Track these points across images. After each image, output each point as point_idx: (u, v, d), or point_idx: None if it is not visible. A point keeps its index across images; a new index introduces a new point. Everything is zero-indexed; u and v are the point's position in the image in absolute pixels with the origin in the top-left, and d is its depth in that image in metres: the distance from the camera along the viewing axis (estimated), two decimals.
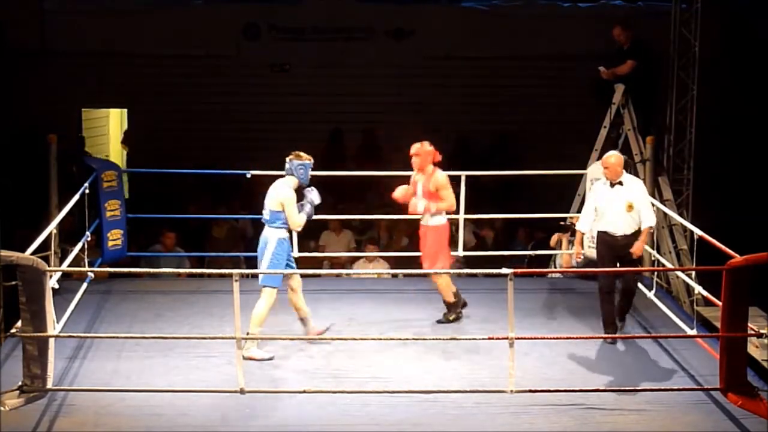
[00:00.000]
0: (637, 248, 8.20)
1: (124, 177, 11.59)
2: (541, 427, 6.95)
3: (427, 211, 8.62)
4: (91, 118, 16.44)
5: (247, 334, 7.87)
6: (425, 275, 10.30)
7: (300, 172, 8.08)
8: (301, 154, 8.14)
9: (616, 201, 8.29)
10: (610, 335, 8.27)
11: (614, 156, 8.40)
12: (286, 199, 8.00)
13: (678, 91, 11.56)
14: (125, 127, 16.54)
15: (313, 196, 8.19)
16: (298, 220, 8.04)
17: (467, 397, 7.25)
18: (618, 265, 8.29)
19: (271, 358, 7.95)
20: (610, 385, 7.42)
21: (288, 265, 8.10)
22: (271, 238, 8.03)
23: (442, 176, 8.64)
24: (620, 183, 8.31)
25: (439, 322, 8.78)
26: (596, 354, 8.08)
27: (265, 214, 8.09)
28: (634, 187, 8.34)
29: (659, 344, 8.31)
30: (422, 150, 8.65)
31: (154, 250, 11.38)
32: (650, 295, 9.26)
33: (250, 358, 7.87)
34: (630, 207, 8.24)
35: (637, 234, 8.24)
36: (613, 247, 8.31)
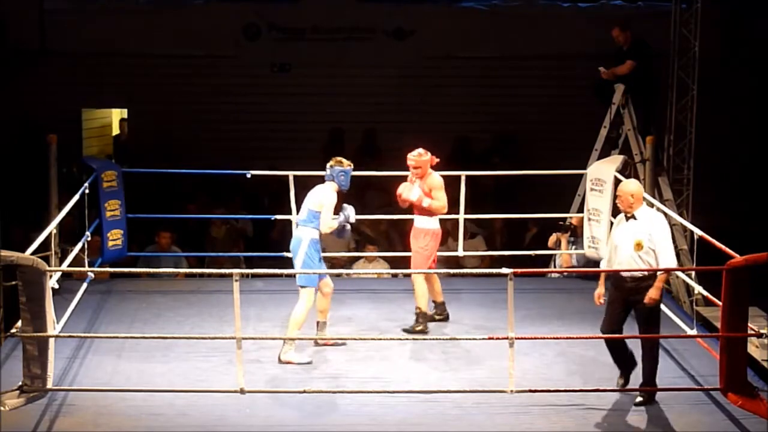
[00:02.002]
0: (650, 296, 7.20)
1: None
2: (541, 427, 6.96)
3: (420, 201, 8.54)
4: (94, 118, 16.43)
5: (284, 342, 7.92)
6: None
7: (341, 178, 8.17)
8: (342, 160, 8.22)
9: (626, 238, 7.30)
10: (624, 384, 7.42)
11: (631, 183, 7.48)
12: (326, 200, 8.07)
13: (678, 91, 11.56)
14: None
15: (350, 212, 8.21)
16: (329, 223, 8.07)
17: (467, 397, 7.26)
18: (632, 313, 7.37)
19: (309, 362, 7.92)
20: (610, 385, 7.42)
21: (321, 261, 8.16)
22: (304, 237, 8.07)
23: (437, 178, 8.66)
24: (633, 217, 7.29)
25: (405, 330, 8.59)
26: (596, 354, 8.06)
27: (302, 214, 8.15)
28: (649, 224, 7.29)
29: (659, 344, 8.30)
30: (421, 161, 8.63)
31: (149, 250, 11.36)
32: None
33: (288, 362, 7.88)
34: (639, 245, 7.22)
35: (649, 279, 7.23)
36: (621, 291, 7.32)
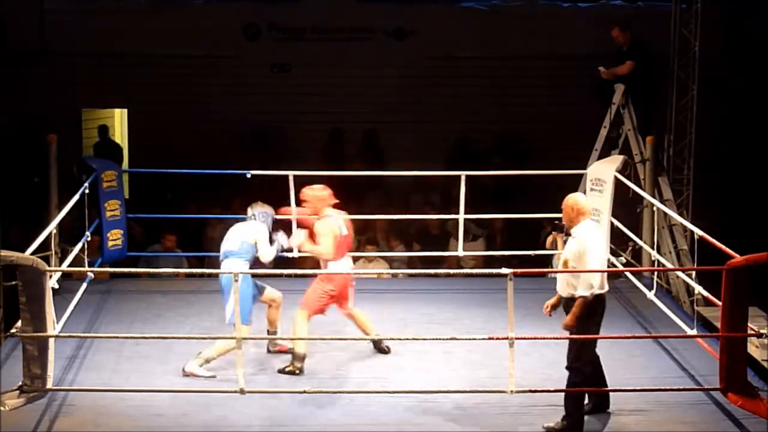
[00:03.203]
0: (564, 322, 6.88)
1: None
2: (540, 427, 6.95)
3: (300, 247, 8.09)
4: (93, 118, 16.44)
5: (199, 353, 7.75)
6: (426, 275, 10.32)
7: (263, 218, 8.10)
8: (262, 204, 8.18)
9: (563, 255, 7.02)
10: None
11: (571, 197, 7.10)
12: (261, 234, 7.97)
13: (678, 91, 11.57)
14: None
15: (283, 240, 8.10)
16: (268, 254, 7.94)
17: (467, 397, 7.26)
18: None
19: (213, 376, 7.71)
20: (611, 385, 7.40)
21: (255, 296, 7.94)
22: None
23: (324, 224, 7.94)
24: (571, 234, 6.97)
25: (279, 371, 7.85)
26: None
27: (233, 245, 7.95)
28: (579, 240, 6.87)
29: (659, 344, 8.31)
30: (309, 195, 8.08)
31: (152, 250, 11.38)
32: (650, 295, 9.25)
33: (191, 374, 7.69)
34: (565, 263, 6.89)
35: (574, 301, 6.85)
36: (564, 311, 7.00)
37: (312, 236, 7.98)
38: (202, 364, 7.73)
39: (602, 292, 6.90)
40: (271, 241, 8.07)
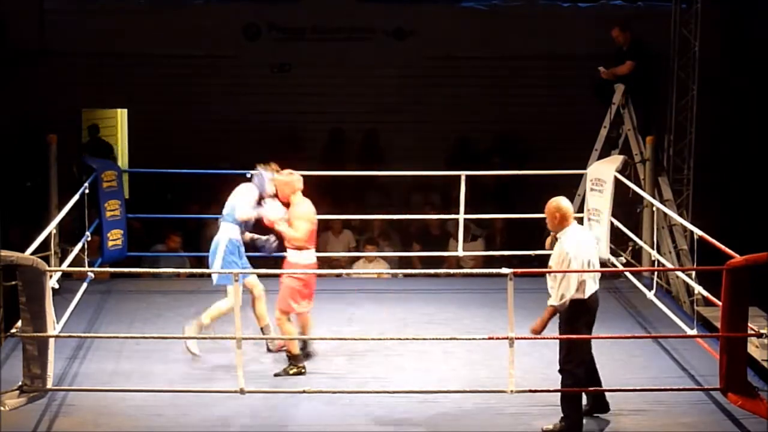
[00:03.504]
0: (533, 326, 6.93)
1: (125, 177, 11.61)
2: (540, 427, 6.95)
3: (273, 223, 7.88)
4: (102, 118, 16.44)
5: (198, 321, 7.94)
6: (421, 274, 10.32)
7: (257, 180, 8.19)
8: (270, 165, 8.23)
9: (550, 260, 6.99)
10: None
11: (553, 201, 6.94)
12: (244, 195, 8.13)
13: (678, 91, 11.57)
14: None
15: (273, 243, 8.21)
16: (242, 214, 8.04)
17: (467, 397, 7.26)
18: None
19: (197, 356, 7.93)
20: (610, 385, 7.41)
21: (243, 267, 8.09)
22: (222, 239, 8.06)
23: (301, 209, 7.91)
24: (557, 238, 6.91)
25: (276, 375, 7.81)
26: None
27: (227, 209, 8.18)
28: (561, 248, 6.88)
29: (659, 344, 8.31)
30: (276, 181, 8.03)
31: (155, 250, 11.37)
32: (650, 295, 9.25)
33: (188, 349, 7.94)
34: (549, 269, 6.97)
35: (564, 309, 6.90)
36: None
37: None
38: (197, 330, 7.91)
39: (584, 297, 6.88)
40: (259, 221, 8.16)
